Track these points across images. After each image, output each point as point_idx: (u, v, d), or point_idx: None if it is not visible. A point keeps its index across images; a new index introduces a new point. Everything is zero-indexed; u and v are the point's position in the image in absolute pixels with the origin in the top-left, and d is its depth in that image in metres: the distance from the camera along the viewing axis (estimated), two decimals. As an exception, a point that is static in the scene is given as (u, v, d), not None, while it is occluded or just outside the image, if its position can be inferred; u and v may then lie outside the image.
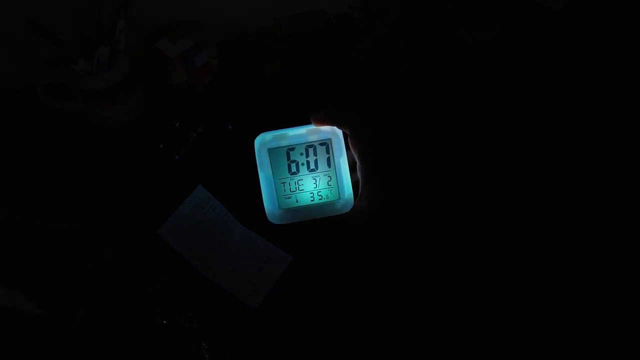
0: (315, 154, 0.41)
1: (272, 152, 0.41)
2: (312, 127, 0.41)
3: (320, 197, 0.41)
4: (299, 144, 0.41)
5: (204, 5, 0.74)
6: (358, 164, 0.40)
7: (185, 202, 0.60)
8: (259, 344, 0.53)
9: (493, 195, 0.63)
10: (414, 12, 0.76)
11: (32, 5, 0.60)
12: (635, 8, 0.83)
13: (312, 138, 0.41)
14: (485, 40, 0.79)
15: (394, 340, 0.53)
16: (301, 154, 0.41)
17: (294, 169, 0.41)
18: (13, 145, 0.66)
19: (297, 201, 0.41)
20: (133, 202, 0.61)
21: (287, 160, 0.41)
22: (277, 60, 0.75)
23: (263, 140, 0.41)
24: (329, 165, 0.41)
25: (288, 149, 0.41)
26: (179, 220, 0.59)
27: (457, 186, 0.63)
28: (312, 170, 0.41)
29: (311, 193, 0.41)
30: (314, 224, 0.42)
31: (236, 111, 0.70)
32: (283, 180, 0.41)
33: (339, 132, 0.41)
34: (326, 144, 0.41)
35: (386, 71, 0.75)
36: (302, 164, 0.41)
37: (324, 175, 0.41)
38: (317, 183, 0.41)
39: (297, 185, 0.41)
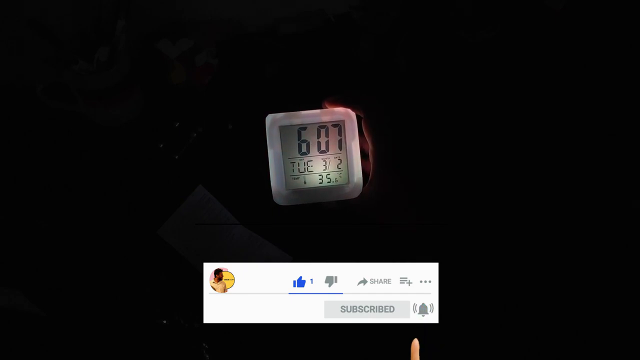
0: (327, 135, 0.40)
1: (284, 130, 0.40)
2: (326, 108, 0.40)
3: (329, 180, 0.40)
4: (311, 123, 0.40)
5: (204, 5, 0.74)
6: (371, 147, 0.39)
7: (185, 202, 0.60)
8: (259, 344, 0.53)
9: (494, 195, 0.63)
10: (414, 12, 0.76)
11: (32, 5, 0.60)
12: (635, 8, 0.83)
13: (325, 119, 0.40)
14: (486, 40, 0.79)
15: (393, 340, 0.53)
16: (313, 134, 0.40)
17: (304, 149, 0.40)
18: (13, 145, 0.66)
19: (305, 182, 0.40)
20: (133, 202, 0.61)
21: (298, 139, 0.40)
22: (277, 60, 0.75)
23: (275, 118, 0.40)
24: (340, 147, 0.40)
25: (300, 127, 0.40)
26: (179, 220, 0.59)
27: (456, 186, 0.63)
28: (323, 151, 0.40)
29: (320, 175, 0.40)
30: (320, 208, 0.41)
31: (236, 111, 0.70)
32: (292, 160, 0.40)
33: (353, 114, 0.40)
34: (339, 126, 0.40)
35: (386, 71, 0.75)
36: (313, 145, 0.40)
37: (335, 157, 0.40)
38: (327, 165, 0.40)
39: (306, 166, 0.40)
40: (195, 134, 0.67)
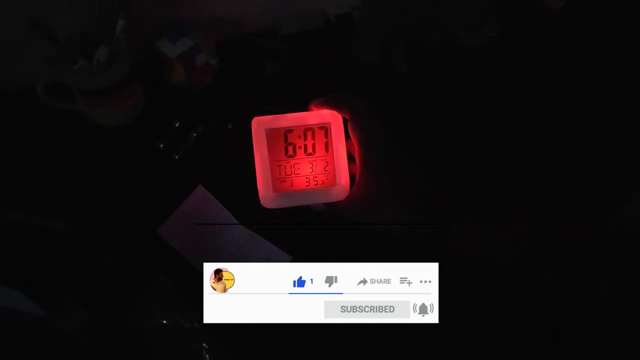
0: (313, 138, 0.40)
1: (270, 132, 0.39)
2: (312, 111, 0.40)
3: (316, 183, 0.40)
4: (298, 126, 0.40)
5: (204, 5, 0.74)
6: (357, 150, 0.39)
7: (185, 202, 0.60)
8: (259, 344, 0.53)
9: (493, 196, 0.63)
10: (414, 12, 0.76)
11: (32, 5, 0.60)
12: (635, 8, 0.83)
13: (312, 121, 0.40)
14: (485, 41, 0.79)
15: (393, 340, 0.53)
16: (299, 136, 0.40)
17: (290, 152, 0.40)
18: (13, 145, 0.66)
19: (292, 185, 0.40)
20: (133, 202, 0.61)
21: (285, 142, 0.40)
22: (277, 60, 0.75)
23: (260, 121, 0.40)
24: (326, 150, 0.40)
25: (286, 130, 0.40)
26: (179, 220, 0.59)
27: (455, 186, 0.63)
28: (309, 154, 0.40)
29: (307, 178, 0.40)
30: (307, 210, 0.41)
31: (236, 111, 0.70)
32: (279, 163, 0.40)
33: (339, 117, 0.40)
34: (325, 128, 0.40)
35: (386, 71, 0.75)
36: (300, 147, 0.40)
37: (321, 160, 0.40)
38: (314, 168, 0.40)
39: (293, 169, 0.40)
40: (195, 134, 0.67)
